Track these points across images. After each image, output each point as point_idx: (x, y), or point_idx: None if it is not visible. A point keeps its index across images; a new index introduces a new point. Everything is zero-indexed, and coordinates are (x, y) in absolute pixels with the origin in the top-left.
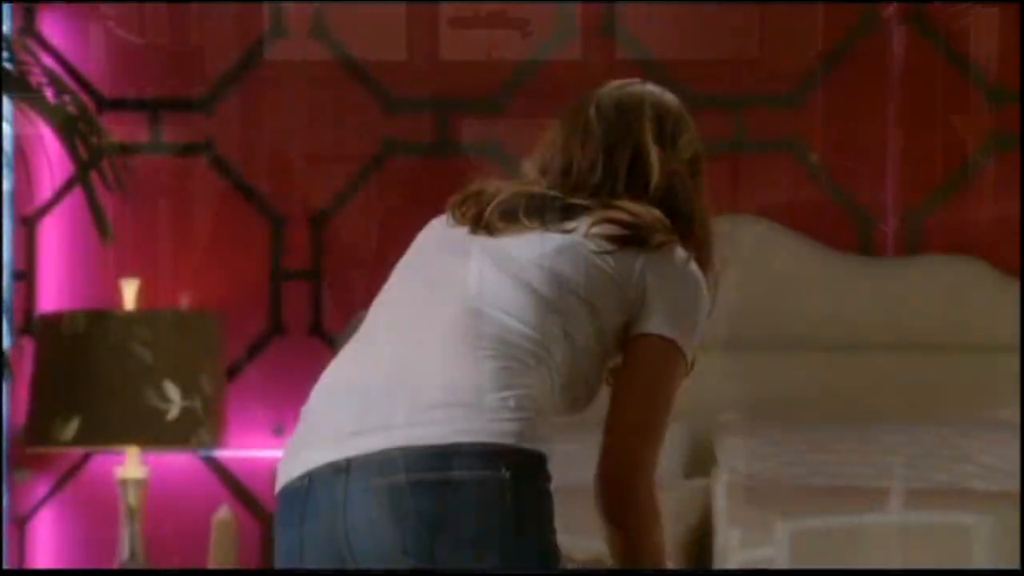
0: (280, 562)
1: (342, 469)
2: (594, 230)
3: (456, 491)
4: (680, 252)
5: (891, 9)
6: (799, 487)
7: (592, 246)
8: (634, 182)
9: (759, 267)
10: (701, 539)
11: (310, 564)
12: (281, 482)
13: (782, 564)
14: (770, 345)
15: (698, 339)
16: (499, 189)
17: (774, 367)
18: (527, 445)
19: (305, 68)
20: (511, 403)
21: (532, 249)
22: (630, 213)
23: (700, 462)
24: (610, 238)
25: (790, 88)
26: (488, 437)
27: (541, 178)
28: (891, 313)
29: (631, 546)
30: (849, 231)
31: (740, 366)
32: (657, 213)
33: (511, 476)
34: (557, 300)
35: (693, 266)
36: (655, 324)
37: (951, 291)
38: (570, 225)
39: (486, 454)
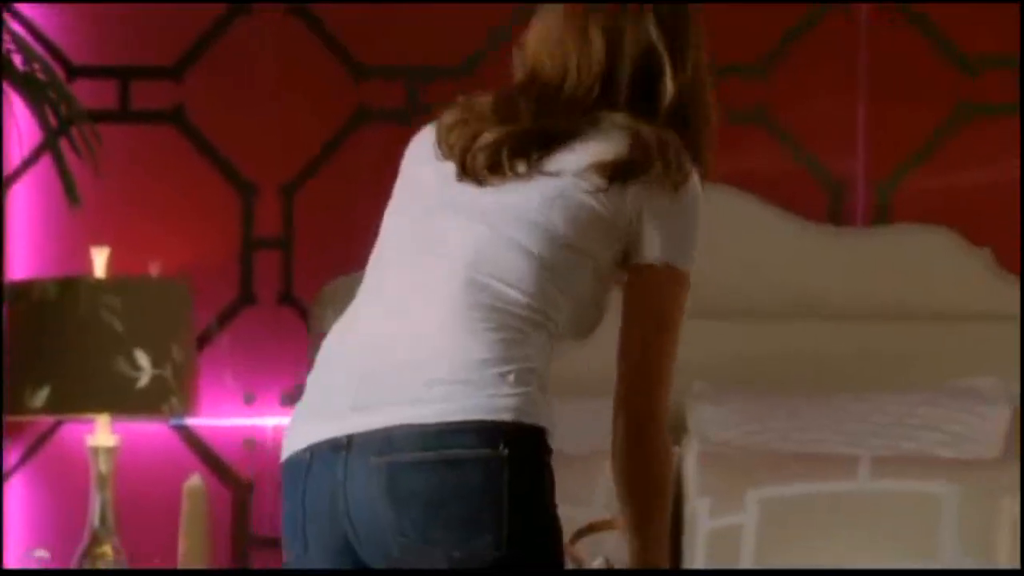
0: (284, 533)
1: (342, 446)
2: (586, 166)
3: (454, 469)
4: (680, 177)
5: None
6: (769, 455)
7: (585, 185)
8: (641, 94)
9: (728, 236)
10: (671, 507)
11: (313, 539)
12: (285, 454)
13: (751, 532)
14: (740, 314)
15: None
16: (482, 122)
17: (744, 336)
18: (526, 420)
19: (275, 36)
20: (511, 377)
21: (522, 203)
22: (629, 140)
23: (671, 430)
24: (604, 173)
25: (758, 58)
26: (486, 414)
27: (530, 87)
28: (861, 282)
29: (653, 483)
30: (819, 200)
31: (710, 335)
32: (663, 136)
33: (509, 453)
34: (553, 258)
35: (692, 184)
36: (656, 252)
37: (920, 260)
38: (563, 162)
39: (484, 431)
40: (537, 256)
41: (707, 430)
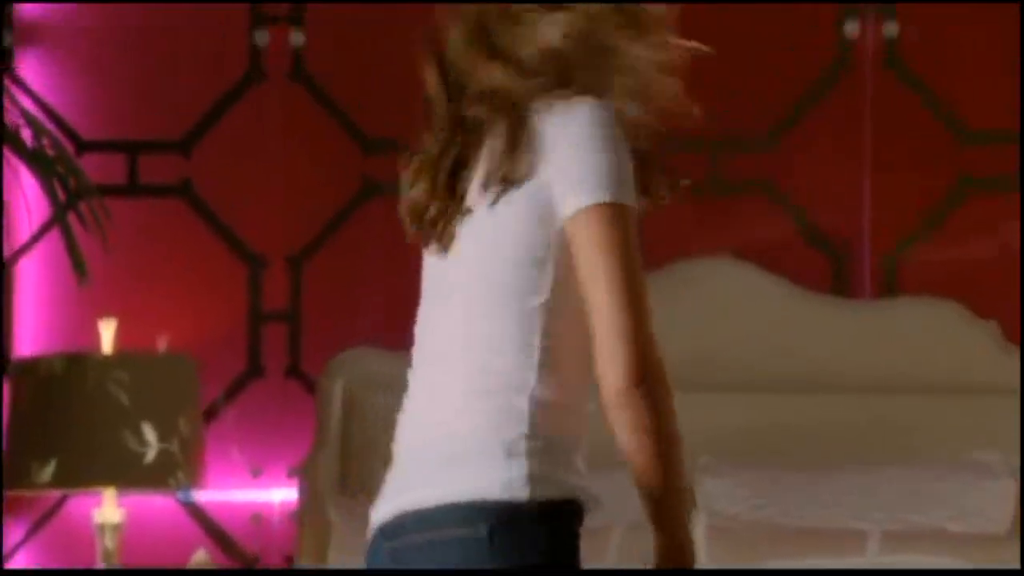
0: None
1: (379, 532)
2: (481, 185)
3: (440, 552)
4: (562, 105)
5: (866, 51)
6: (777, 530)
7: (493, 205)
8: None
9: (734, 308)
10: None
11: None
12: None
13: None
14: (746, 387)
15: (627, 173)
16: (415, 197)
17: (750, 409)
18: (507, 496)
19: (282, 109)
20: (499, 451)
21: (465, 262)
22: (502, 143)
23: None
24: (494, 186)
25: (765, 130)
26: (471, 495)
27: (428, 109)
28: (866, 354)
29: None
30: (824, 272)
31: (716, 408)
32: (526, 86)
33: (490, 532)
34: (510, 302)
35: (580, 106)
36: (568, 204)
37: (926, 333)
38: (472, 192)
39: (468, 510)
40: (495, 309)
41: (714, 504)
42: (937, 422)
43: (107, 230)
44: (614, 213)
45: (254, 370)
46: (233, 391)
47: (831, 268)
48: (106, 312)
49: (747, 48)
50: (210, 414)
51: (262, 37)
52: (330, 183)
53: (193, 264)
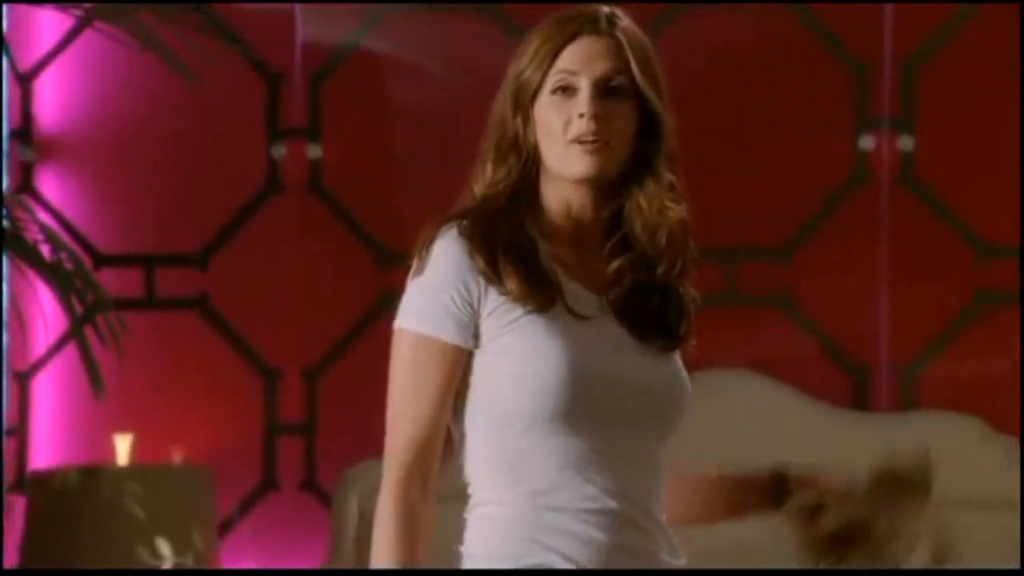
0: None
1: None
2: None
3: None
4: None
5: (881, 164)
6: None
7: None
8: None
9: (751, 421)
10: None
11: None
12: None
13: None
14: None
15: (427, 311)
16: None
17: (765, 522)
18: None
19: (300, 222)
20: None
21: None
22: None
23: None
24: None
25: (781, 242)
26: None
27: None
28: None
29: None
30: (842, 385)
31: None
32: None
33: None
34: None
35: (421, 248)
36: None
37: (944, 448)
38: None
39: None
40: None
41: None
42: (957, 537)
43: (123, 343)
44: (401, 337)
45: (269, 483)
46: (248, 504)
47: (849, 381)
48: (122, 425)
49: (764, 160)
50: (225, 527)
51: (279, 150)
52: (346, 296)
53: (209, 376)
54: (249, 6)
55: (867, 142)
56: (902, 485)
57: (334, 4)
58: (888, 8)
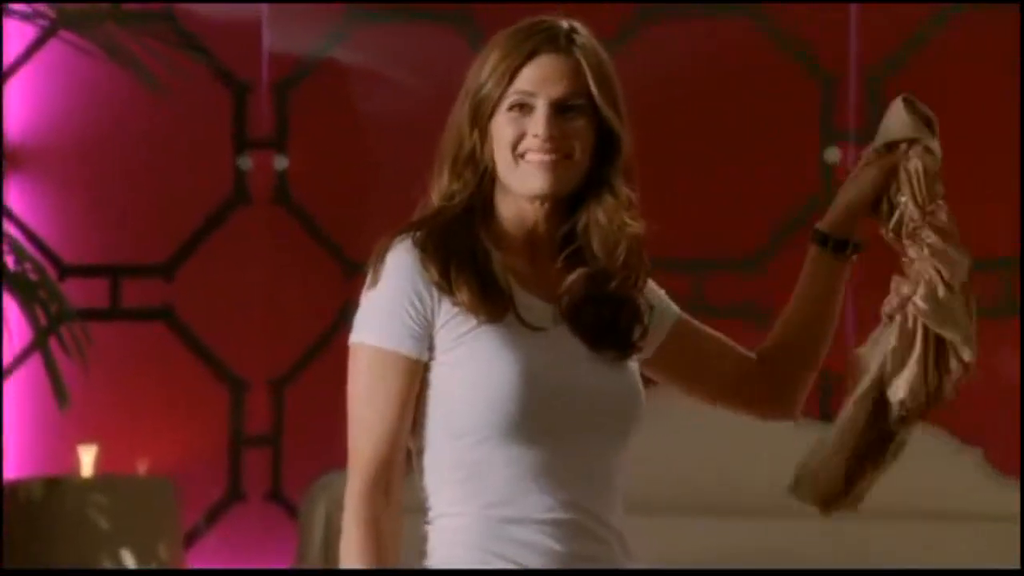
0: None
1: None
2: None
3: None
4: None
5: (846, 176)
6: None
7: None
8: None
9: (719, 433)
10: None
11: None
12: None
13: None
14: (732, 512)
15: (378, 323)
16: None
17: (739, 534)
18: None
19: (266, 233)
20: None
21: None
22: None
23: None
24: None
25: (749, 253)
26: None
27: None
28: None
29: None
30: (810, 396)
31: (699, 532)
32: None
33: None
34: None
35: (374, 259)
36: None
37: (912, 460)
38: None
39: None
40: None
41: None
42: (924, 549)
43: (88, 354)
44: (357, 352)
45: (235, 494)
46: (214, 515)
47: (817, 392)
48: (87, 435)
49: (732, 172)
50: (191, 538)
51: (245, 161)
52: (313, 307)
53: (174, 387)
54: (215, 17)
55: (833, 154)
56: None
57: (300, 16)
58: (854, 21)
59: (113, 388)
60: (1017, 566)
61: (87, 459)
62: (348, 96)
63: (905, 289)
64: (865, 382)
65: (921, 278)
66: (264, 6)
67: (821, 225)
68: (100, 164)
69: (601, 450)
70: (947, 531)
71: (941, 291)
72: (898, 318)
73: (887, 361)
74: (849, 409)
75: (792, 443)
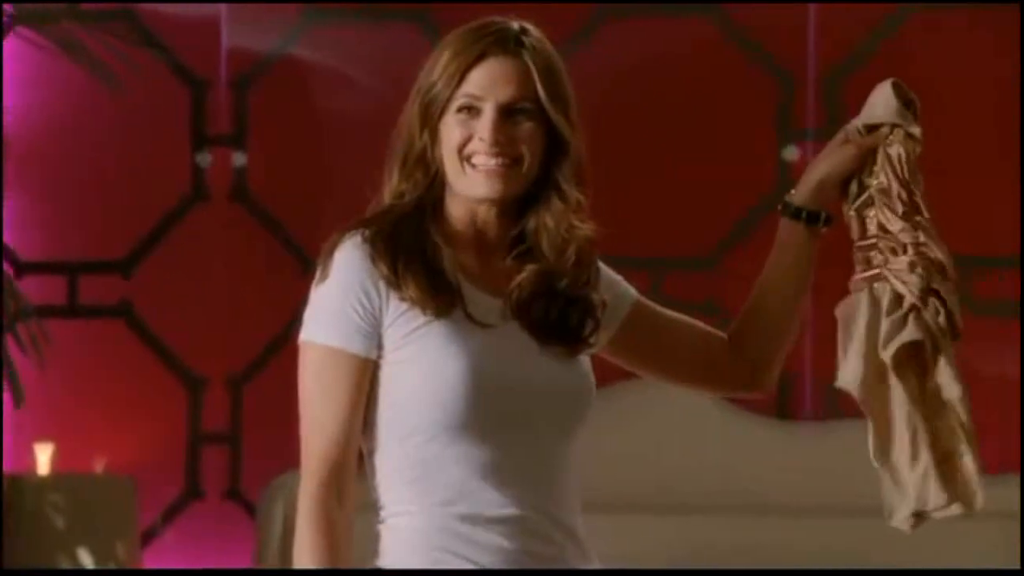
0: None
1: None
2: None
3: None
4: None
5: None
6: None
7: None
8: None
9: (677, 430)
10: None
11: None
12: None
13: None
14: (687, 509)
15: (330, 321)
16: None
17: (694, 531)
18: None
19: (225, 230)
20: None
21: None
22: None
23: None
24: None
25: (707, 251)
26: None
27: None
28: (807, 478)
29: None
30: (766, 397)
31: (657, 529)
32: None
33: None
34: None
35: (322, 258)
36: None
37: (865, 455)
38: None
39: None
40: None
41: None
42: (877, 544)
43: (45, 351)
44: (306, 351)
45: (193, 492)
46: (172, 514)
47: (776, 391)
48: (44, 434)
49: (689, 170)
50: (148, 537)
51: (204, 158)
52: (271, 304)
53: (132, 385)
54: (174, 15)
55: (790, 153)
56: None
57: (259, 14)
58: (813, 21)
59: (70, 386)
60: (1009, 565)
61: (44, 457)
62: (307, 94)
63: (880, 257)
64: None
65: (915, 250)
66: (223, 4)
67: (793, 198)
68: (58, 161)
69: (551, 446)
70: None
71: (940, 277)
72: (879, 284)
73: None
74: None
75: (745, 441)
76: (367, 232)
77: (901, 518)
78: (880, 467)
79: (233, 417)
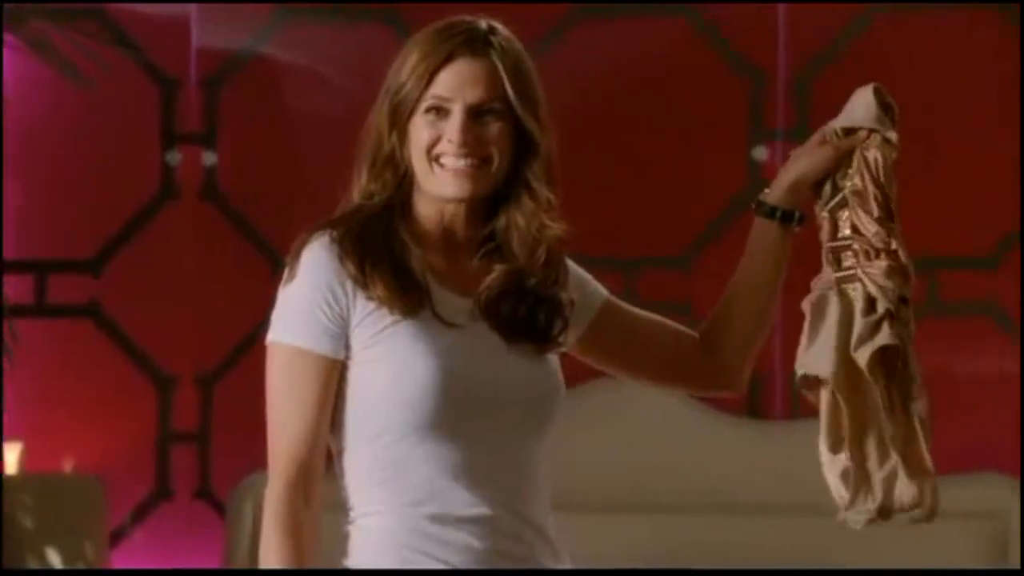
0: None
1: None
2: None
3: None
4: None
5: (770, 174)
6: None
7: None
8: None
9: (648, 429)
10: None
11: None
12: None
13: None
14: (656, 508)
15: (297, 323)
16: None
17: (665, 529)
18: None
19: (194, 229)
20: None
21: None
22: None
23: None
24: None
25: (680, 250)
26: None
27: None
28: (777, 476)
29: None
30: (737, 396)
31: (628, 528)
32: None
33: None
34: None
35: (291, 257)
36: None
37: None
38: None
39: None
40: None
41: None
42: (847, 544)
43: (14, 350)
44: (273, 352)
45: (163, 492)
46: (141, 513)
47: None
48: (12, 433)
49: (662, 170)
50: (117, 537)
51: (174, 157)
52: (241, 303)
53: (101, 384)
54: (144, 13)
55: (761, 153)
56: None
57: (229, 13)
58: (783, 21)
59: (39, 385)
60: (978, 564)
61: (11, 457)
62: (277, 93)
63: (852, 259)
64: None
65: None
66: (193, 3)
67: (767, 197)
68: (28, 159)
69: (520, 444)
70: (871, 527)
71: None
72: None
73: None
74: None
75: (715, 439)
76: (335, 232)
77: (860, 512)
78: (831, 459)
79: (203, 417)
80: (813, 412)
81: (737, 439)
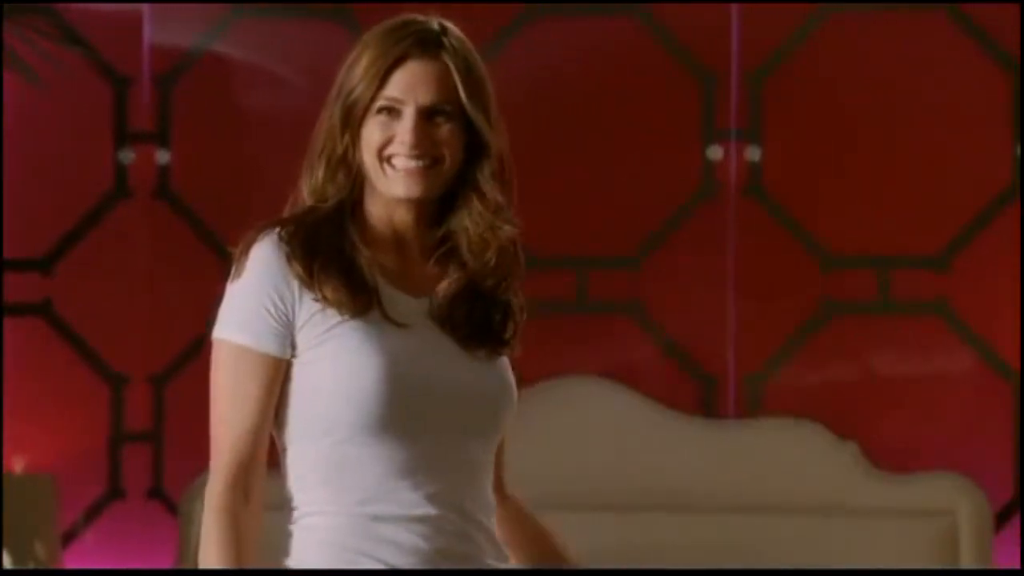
0: None
1: None
2: None
3: None
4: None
5: (729, 178)
6: None
7: None
8: None
9: (602, 428)
10: None
11: None
12: None
13: None
14: (611, 506)
15: (244, 319)
16: None
17: (617, 528)
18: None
19: (148, 227)
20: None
21: None
22: None
23: None
24: None
25: (631, 251)
26: None
27: None
28: (730, 475)
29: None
30: (690, 393)
31: (582, 527)
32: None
33: None
34: None
35: (239, 254)
36: None
37: (788, 454)
38: None
39: None
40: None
41: None
42: (799, 543)
43: None
44: (220, 348)
45: (115, 491)
46: (93, 513)
47: (697, 388)
48: None
49: (614, 169)
50: (69, 537)
51: (127, 155)
52: (194, 302)
53: (53, 383)
54: (97, 11)
55: (715, 152)
56: None
57: (182, 10)
58: (736, 21)
59: None
60: (943, 563)
61: None
62: (230, 91)
63: None
64: None
65: None
66: (145, 2)
67: None
68: None
69: (467, 445)
70: (823, 524)
71: None
72: None
73: None
74: None
75: (668, 438)
76: (284, 231)
77: None
78: None
79: (155, 416)
80: (766, 412)
81: (691, 439)
